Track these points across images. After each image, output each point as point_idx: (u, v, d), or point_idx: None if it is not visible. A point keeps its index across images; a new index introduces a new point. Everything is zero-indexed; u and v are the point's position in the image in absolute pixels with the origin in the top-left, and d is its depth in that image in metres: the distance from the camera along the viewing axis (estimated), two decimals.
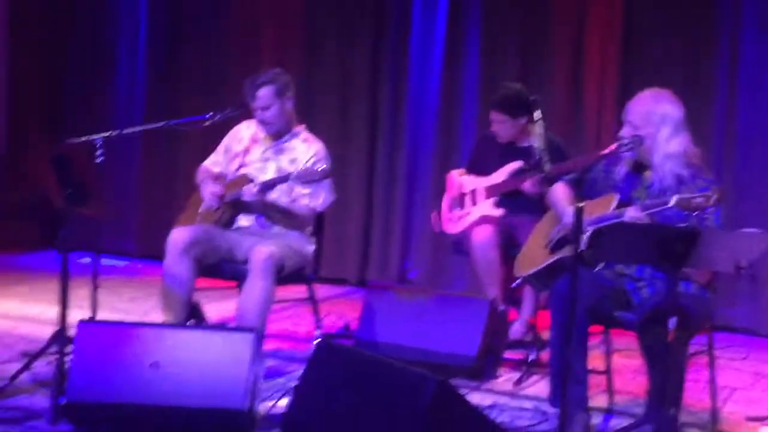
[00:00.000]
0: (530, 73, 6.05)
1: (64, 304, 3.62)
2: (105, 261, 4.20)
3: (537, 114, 4.57)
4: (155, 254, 6.84)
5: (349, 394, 3.17)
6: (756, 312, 5.63)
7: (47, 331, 4.51)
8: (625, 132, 3.75)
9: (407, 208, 6.58)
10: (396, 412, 3.00)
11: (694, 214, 3.51)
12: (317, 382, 3.34)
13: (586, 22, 6.03)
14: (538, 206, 4.76)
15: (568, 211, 3.83)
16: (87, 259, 4.02)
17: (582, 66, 6.05)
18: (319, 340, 3.87)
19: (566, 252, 3.81)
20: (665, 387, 3.46)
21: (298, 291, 4.80)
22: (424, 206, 6.42)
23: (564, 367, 3.44)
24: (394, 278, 6.49)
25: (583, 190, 3.70)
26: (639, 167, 3.81)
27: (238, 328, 3.89)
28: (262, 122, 4.56)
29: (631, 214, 3.60)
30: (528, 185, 4.86)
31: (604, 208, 3.75)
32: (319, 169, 4.29)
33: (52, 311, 5.07)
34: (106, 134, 4.06)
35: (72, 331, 3.60)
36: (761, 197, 5.60)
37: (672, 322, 3.32)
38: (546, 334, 4.65)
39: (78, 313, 3.70)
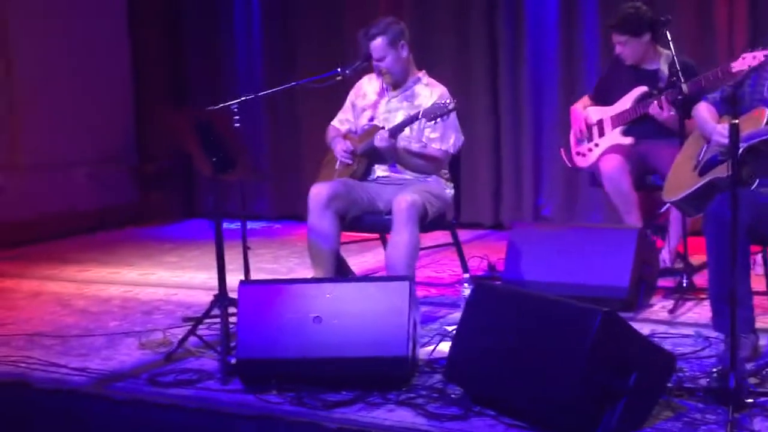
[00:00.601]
0: None
1: (221, 268, 3.69)
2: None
3: (668, 35, 4.44)
4: (290, 214, 7.04)
5: (510, 334, 3.15)
6: None
7: (201, 296, 4.67)
8: None
9: (535, 145, 6.51)
10: (562, 347, 2.97)
11: None
12: (476, 325, 3.33)
13: None
14: (667, 130, 4.65)
15: (717, 131, 3.72)
16: (229, 225, 4.10)
17: None
18: (471, 284, 3.87)
19: (718, 173, 3.70)
20: None
21: (435, 237, 4.80)
22: (551, 141, 6.33)
23: (727, 290, 3.34)
24: (529, 217, 6.45)
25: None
26: None
27: (393, 278, 3.92)
28: (381, 73, 4.57)
29: None
30: (655, 109, 4.74)
31: (754, 123, 3.62)
32: (446, 103, 4.28)
33: (201, 277, 5.24)
34: (242, 98, 4.10)
35: (231, 294, 3.69)
36: None
37: None
38: (695, 260, 4.57)
39: (229, 275, 3.78)
